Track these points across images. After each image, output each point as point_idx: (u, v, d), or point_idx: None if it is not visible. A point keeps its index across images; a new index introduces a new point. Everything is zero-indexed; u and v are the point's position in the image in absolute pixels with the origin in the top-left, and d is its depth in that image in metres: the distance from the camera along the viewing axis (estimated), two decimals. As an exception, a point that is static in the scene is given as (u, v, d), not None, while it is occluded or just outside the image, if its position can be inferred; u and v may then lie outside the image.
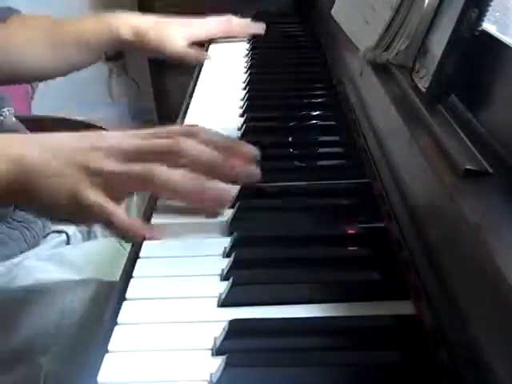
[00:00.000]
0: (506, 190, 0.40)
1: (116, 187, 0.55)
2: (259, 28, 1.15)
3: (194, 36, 1.04)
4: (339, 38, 0.87)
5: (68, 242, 0.86)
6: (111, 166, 0.55)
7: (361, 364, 0.40)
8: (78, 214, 0.55)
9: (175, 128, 0.65)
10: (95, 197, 0.54)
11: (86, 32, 0.98)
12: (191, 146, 0.57)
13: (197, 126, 0.63)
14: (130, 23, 0.98)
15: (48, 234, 0.85)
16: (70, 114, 1.47)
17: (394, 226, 0.51)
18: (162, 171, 0.54)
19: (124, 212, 0.55)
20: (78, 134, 0.59)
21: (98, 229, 0.89)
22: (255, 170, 0.59)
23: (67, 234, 0.86)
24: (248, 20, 1.17)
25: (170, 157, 0.56)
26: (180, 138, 0.57)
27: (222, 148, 0.58)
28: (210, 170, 0.57)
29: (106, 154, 0.55)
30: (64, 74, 1.02)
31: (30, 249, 0.81)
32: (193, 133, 0.59)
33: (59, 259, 0.79)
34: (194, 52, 1.03)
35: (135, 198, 0.95)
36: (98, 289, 0.71)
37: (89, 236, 0.89)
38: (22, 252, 0.80)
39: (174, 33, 1.01)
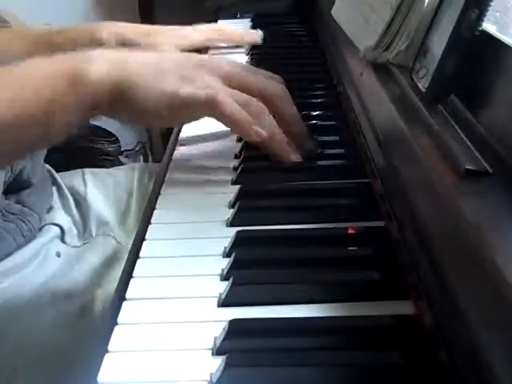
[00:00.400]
0: (506, 190, 0.40)
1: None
2: (256, 36, 1.09)
3: (187, 44, 0.98)
4: (339, 38, 0.87)
5: (63, 237, 0.85)
6: (212, 82, 0.59)
7: (361, 364, 0.40)
8: (180, 110, 0.59)
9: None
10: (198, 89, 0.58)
11: (62, 40, 0.87)
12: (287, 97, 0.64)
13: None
14: (115, 31, 0.90)
15: (43, 227, 0.85)
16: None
17: (394, 226, 0.51)
18: (258, 106, 0.59)
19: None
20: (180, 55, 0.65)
21: (93, 226, 0.89)
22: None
23: (62, 228, 0.86)
24: (244, 30, 1.13)
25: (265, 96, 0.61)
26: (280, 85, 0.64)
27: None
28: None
29: (208, 72, 0.60)
30: None
31: (26, 242, 0.80)
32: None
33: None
34: None
35: (134, 198, 0.95)
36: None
37: (84, 232, 0.89)
38: (18, 246, 0.79)
39: (165, 41, 0.95)
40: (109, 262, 0.81)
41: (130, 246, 0.84)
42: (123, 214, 0.92)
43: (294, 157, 0.64)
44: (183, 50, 0.94)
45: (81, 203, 0.92)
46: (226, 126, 0.62)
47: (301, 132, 0.66)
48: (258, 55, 1.07)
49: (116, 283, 0.72)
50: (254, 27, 1.26)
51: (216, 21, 1.27)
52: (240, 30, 1.13)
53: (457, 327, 0.36)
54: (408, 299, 0.45)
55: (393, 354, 0.41)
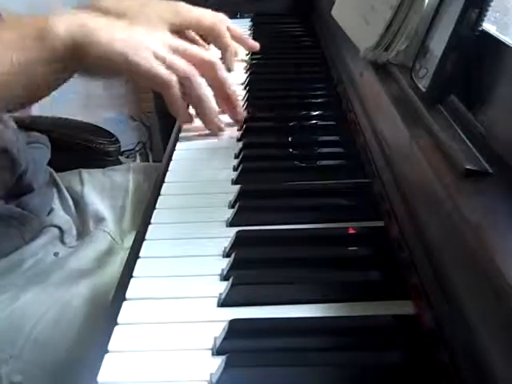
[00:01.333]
0: (506, 190, 0.40)
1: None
2: (254, 44, 1.01)
3: (177, 21, 0.89)
4: (339, 38, 0.87)
5: (62, 238, 0.85)
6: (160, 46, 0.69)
7: (361, 364, 0.40)
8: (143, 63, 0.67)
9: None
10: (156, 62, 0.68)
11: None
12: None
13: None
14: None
15: (43, 228, 0.85)
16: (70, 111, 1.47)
17: (394, 225, 0.51)
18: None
19: None
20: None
21: (91, 224, 0.89)
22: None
23: (61, 230, 0.86)
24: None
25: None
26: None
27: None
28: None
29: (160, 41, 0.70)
30: None
31: (26, 244, 0.80)
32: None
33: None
34: None
35: (130, 198, 0.94)
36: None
37: (83, 231, 0.89)
38: (17, 248, 0.79)
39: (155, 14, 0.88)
40: (103, 258, 0.81)
41: (125, 245, 0.85)
42: (119, 214, 0.92)
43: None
44: (173, 27, 0.88)
45: (79, 202, 0.92)
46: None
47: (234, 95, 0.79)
48: (258, 55, 1.07)
49: (109, 279, 0.73)
50: (253, 27, 1.26)
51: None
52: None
53: (457, 327, 0.36)
54: (408, 299, 0.45)
55: (393, 354, 0.41)
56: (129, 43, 0.68)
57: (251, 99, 0.88)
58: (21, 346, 0.67)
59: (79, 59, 0.65)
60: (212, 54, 0.78)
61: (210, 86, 0.75)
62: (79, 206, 0.92)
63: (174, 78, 0.69)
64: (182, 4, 0.89)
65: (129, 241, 0.87)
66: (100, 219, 0.89)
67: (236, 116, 0.80)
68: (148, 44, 0.69)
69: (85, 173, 0.99)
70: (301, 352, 0.42)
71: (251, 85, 0.95)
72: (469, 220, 0.37)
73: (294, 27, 1.27)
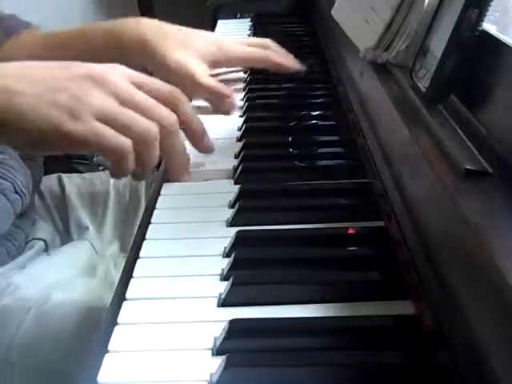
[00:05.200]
0: (506, 190, 0.40)
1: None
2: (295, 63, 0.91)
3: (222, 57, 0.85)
4: (339, 38, 0.87)
5: (47, 249, 0.85)
6: (103, 101, 0.53)
7: (361, 364, 0.40)
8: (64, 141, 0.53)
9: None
10: (96, 124, 0.52)
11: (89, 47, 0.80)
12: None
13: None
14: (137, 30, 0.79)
15: (28, 242, 0.84)
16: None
17: (394, 225, 0.51)
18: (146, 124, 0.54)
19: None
20: (61, 64, 0.56)
21: (74, 232, 0.89)
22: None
23: (45, 242, 0.85)
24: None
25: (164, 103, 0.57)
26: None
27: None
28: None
29: (96, 84, 0.54)
30: None
31: (11, 260, 0.79)
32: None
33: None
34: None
35: (110, 206, 0.94)
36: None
37: (67, 238, 0.88)
38: (2, 264, 0.78)
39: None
40: (85, 268, 0.80)
41: (106, 256, 0.85)
42: (100, 222, 0.91)
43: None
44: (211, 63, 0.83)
45: (61, 208, 0.92)
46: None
47: (200, 130, 0.65)
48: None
49: (92, 289, 0.72)
50: (253, 27, 1.26)
51: (216, 20, 1.27)
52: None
53: (457, 327, 0.36)
54: (408, 299, 0.45)
55: (393, 353, 0.41)
56: (61, 104, 0.52)
57: (251, 99, 0.88)
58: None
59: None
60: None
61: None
62: (61, 211, 0.91)
63: (126, 143, 0.54)
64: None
65: (111, 250, 0.87)
66: (82, 228, 0.88)
67: (205, 150, 0.67)
68: (89, 99, 0.53)
69: (64, 177, 0.98)
70: (301, 352, 0.42)
71: (251, 85, 0.95)
72: (469, 220, 0.37)
73: (294, 27, 1.27)
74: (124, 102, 0.55)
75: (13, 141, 0.56)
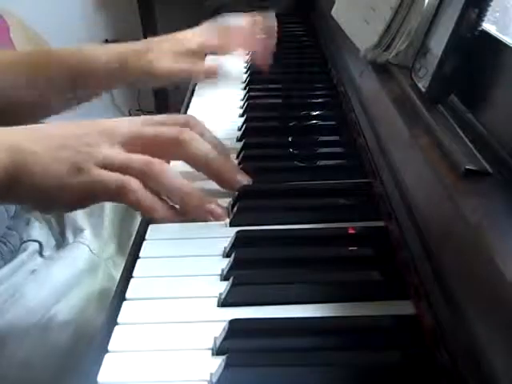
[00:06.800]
0: (506, 190, 0.40)
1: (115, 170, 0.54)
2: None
3: (183, 49, 0.87)
4: (339, 38, 0.87)
5: (41, 251, 0.84)
6: (108, 151, 0.54)
7: (361, 364, 0.40)
8: (82, 196, 0.55)
9: (175, 117, 0.63)
10: (98, 171, 0.53)
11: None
12: (194, 138, 0.59)
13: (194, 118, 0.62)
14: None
15: (22, 244, 0.83)
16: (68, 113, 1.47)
17: (394, 225, 0.51)
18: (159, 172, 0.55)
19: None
20: (73, 124, 0.58)
21: (70, 235, 0.88)
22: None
23: (40, 244, 0.85)
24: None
25: (170, 148, 0.58)
26: (183, 130, 0.59)
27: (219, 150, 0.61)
28: (209, 168, 0.60)
29: (102, 137, 0.55)
30: (52, 109, 0.85)
31: (5, 264, 0.78)
32: (191, 125, 0.60)
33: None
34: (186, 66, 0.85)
35: (107, 208, 0.94)
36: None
37: (63, 241, 0.88)
38: None
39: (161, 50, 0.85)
40: (82, 273, 0.80)
41: (104, 256, 0.84)
42: (97, 223, 0.91)
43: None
44: (178, 54, 0.86)
45: None
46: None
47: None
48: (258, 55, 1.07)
49: (90, 294, 0.71)
50: (253, 27, 1.26)
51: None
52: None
53: (457, 327, 0.36)
54: (408, 299, 0.45)
55: (393, 354, 0.41)
56: (68, 160, 0.54)
57: (251, 99, 0.88)
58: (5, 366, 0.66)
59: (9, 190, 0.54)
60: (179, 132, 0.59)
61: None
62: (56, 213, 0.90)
63: (127, 179, 0.54)
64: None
65: (109, 251, 0.86)
66: (79, 230, 0.87)
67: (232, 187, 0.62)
68: (95, 153, 0.54)
69: None
70: (301, 352, 0.42)
71: (251, 85, 0.95)
72: (469, 220, 0.37)
73: (295, 27, 1.27)
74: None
75: (23, 199, 0.58)
